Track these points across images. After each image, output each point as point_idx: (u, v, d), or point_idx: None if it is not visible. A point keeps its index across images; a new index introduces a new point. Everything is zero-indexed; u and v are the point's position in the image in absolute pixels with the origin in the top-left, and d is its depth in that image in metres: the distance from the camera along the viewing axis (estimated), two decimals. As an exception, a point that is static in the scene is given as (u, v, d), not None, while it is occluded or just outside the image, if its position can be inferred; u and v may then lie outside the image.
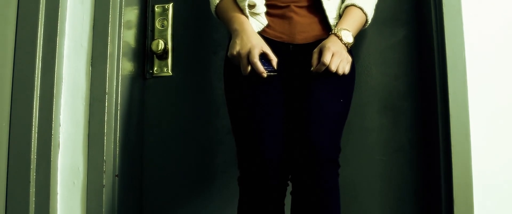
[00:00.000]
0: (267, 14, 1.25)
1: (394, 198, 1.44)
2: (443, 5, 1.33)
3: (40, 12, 1.38)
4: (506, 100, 1.32)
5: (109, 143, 1.38)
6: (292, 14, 1.24)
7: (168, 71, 1.60)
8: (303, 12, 1.25)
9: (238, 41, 1.17)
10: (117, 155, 1.39)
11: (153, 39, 1.60)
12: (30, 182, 1.31)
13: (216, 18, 1.31)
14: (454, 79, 1.30)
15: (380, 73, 1.49)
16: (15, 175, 1.32)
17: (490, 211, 1.27)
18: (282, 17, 1.25)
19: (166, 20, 1.61)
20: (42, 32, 1.38)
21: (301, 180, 1.13)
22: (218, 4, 1.27)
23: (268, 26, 1.24)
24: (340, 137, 1.20)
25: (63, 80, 1.41)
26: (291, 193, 1.16)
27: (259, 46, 1.15)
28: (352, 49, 1.25)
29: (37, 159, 1.33)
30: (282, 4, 1.25)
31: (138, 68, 1.57)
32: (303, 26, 1.24)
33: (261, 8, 1.23)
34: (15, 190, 1.32)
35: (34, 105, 1.35)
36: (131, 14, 1.53)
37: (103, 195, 1.35)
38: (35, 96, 1.35)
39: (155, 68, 1.60)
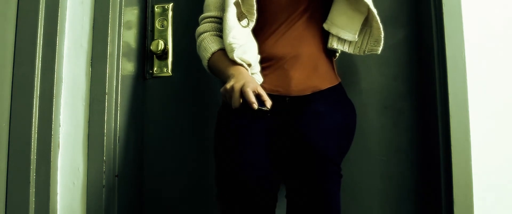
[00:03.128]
0: (263, 69, 1.24)
1: (394, 198, 1.44)
2: (443, 5, 1.33)
3: (40, 12, 1.38)
4: (506, 100, 1.32)
5: (109, 143, 1.37)
6: (287, 68, 1.23)
7: (168, 71, 1.59)
8: (299, 65, 1.23)
9: (233, 79, 1.12)
10: (117, 155, 1.39)
11: (153, 39, 1.59)
12: (30, 182, 1.31)
13: (209, 72, 1.28)
14: (454, 80, 1.30)
15: (380, 73, 1.49)
16: (15, 175, 1.32)
17: (490, 210, 1.27)
18: (278, 71, 1.23)
19: (166, 20, 1.61)
20: (42, 33, 1.38)
21: (298, 184, 1.11)
22: (210, 58, 1.24)
23: (263, 82, 1.23)
24: (340, 154, 1.18)
25: (63, 81, 1.41)
26: (286, 196, 1.15)
27: (254, 83, 1.11)
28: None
29: (37, 159, 1.33)
30: (277, 59, 1.24)
31: (138, 69, 1.57)
32: (299, 80, 1.22)
33: (256, 67, 1.21)
34: (15, 190, 1.32)
35: (34, 106, 1.35)
36: (131, 14, 1.53)
37: (103, 196, 1.35)
38: (35, 96, 1.35)
39: (155, 69, 1.60)
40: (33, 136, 1.33)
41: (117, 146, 1.40)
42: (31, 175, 1.32)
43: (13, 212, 1.31)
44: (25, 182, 1.31)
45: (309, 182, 1.09)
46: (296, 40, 1.25)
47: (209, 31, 1.28)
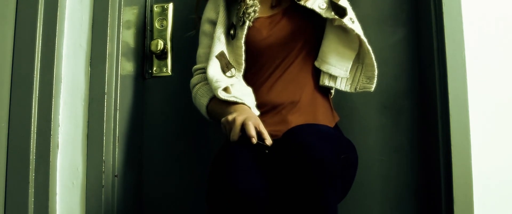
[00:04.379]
0: (261, 114, 1.21)
1: (394, 198, 1.44)
2: (443, 4, 1.33)
3: (39, 12, 1.38)
4: (506, 100, 1.32)
5: (108, 143, 1.37)
6: (285, 113, 1.22)
7: (167, 71, 1.59)
8: (297, 110, 1.22)
9: (236, 113, 1.09)
10: (116, 155, 1.39)
11: (152, 39, 1.59)
12: (29, 182, 1.31)
13: (208, 119, 1.27)
14: (454, 79, 1.29)
15: (380, 72, 1.48)
16: (14, 175, 1.32)
17: (491, 210, 1.27)
18: (276, 117, 1.22)
19: (165, 20, 1.61)
20: (41, 32, 1.38)
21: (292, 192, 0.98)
22: (208, 104, 1.23)
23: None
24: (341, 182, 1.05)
25: (62, 81, 1.40)
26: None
27: (257, 120, 1.08)
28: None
29: (36, 159, 1.33)
30: (274, 105, 1.23)
31: (137, 68, 1.57)
32: (298, 124, 1.19)
33: (255, 112, 1.19)
34: (14, 190, 1.31)
35: (33, 106, 1.34)
36: (130, 14, 1.53)
37: (103, 196, 1.34)
38: (34, 96, 1.35)
39: (155, 68, 1.60)
40: (32, 136, 1.33)
41: (117, 146, 1.39)
42: (30, 175, 1.32)
43: (12, 212, 1.31)
44: (24, 182, 1.31)
45: (303, 187, 0.96)
46: (292, 84, 1.24)
47: (201, 82, 1.28)
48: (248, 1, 1.21)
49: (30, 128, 1.33)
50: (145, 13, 1.61)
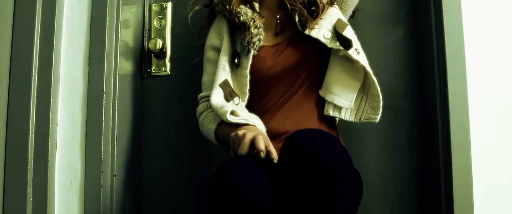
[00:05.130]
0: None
1: (393, 197, 1.44)
2: (443, 3, 1.32)
3: (37, 11, 1.37)
4: (506, 99, 1.31)
5: (107, 143, 1.37)
6: None
7: (166, 70, 1.59)
8: None
9: (245, 129, 1.07)
10: (115, 155, 1.39)
11: (150, 38, 1.59)
12: (27, 182, 1.30)
13: (216, 143, 1.24)
14: (454, 78, 1.29)
15: (379, 71, 1.48)
16: (12, 175, 1.31)
17: (491, 210, 1.27)
18: (279, 144, 1.12)
19: (164, 19, 1.60)
20: (39, 31, 1.37)
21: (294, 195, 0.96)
22: (216, 130, 1.21)
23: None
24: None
25: (60, 80, 1.40)
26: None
27: (267, 139, 1.06)
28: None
29: (34, 159, 1.32)
30: (278, 134, 1.20)
31: (136, 68, 1.56)
32: None
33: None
34: (12, 190, 1.31)
35: (31, 105, 1.33)
36: (129, 13, 1.52)
37: (101, 195, 1.34)
38: (32, 96, 1.34)
39: (153, 68, 1.59)
40: (30, 136, 1.32)
41: (115, 146, 1.39)
42: (28, 174, 1.31)
43: (10, 212, 1.30)
44: (22, 182, 1.30)
45: (306, 190, 0.93)
46: (297, 113, 1.23)
47: (207, 109, 1.27)
48: (252, 30, 1.19)
49: (28, 128, 1.32)
50: (144, 12, 1.61)
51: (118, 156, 1.40)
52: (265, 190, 0.96)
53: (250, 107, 1.24)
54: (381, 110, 1.21)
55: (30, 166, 1.32)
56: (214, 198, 0.97)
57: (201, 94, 1.32)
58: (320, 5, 1.19)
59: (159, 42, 1.54)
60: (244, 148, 1.03)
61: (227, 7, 1.23)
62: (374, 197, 1.44)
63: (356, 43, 1.19)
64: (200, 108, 1.30)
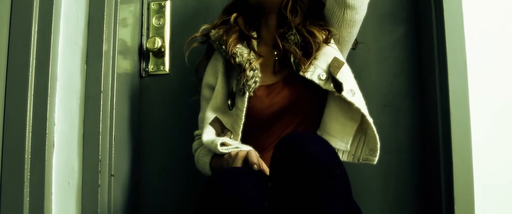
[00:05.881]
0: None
1: (393, 197, 1.43)
2: (443, 1, 1.32)
3: (34, 9, 1.36)
4: (508, 98, 1.31)
5: (105, 142, 1.36)
6: None
7: (164, 69, 1.58)
8: None
9: (239, 150, 1.09)
10: (113, 155, 1.38)
11: (149, 37, 1.58)
12: (24, 182, 1.29)
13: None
14: (455, 77, 1.29)
15: (379, 71, 1.48)
16: (9, 175, 1.31)
17: (492, 210, 1.26)
18: None
19: (162, 18, 1.59)
20: (36, 30, 1.36)
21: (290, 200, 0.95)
22: (211, 161, 1.21)
23: None
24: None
25: (58, 79, 1.39)
26: None
27: (260, 159, 1.07)
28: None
29: (31, 158, 1.31)
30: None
31: (134, 67, 1.55)
32: None
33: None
34: (9, 190, 1.30)
35: (28, 104, 1.33)
36: (127, 11, 1.51)
37: (99, 195, 1.33)
38: (29, 95, 1.33)
39: (152, 67, 1.59)
40: (27, 135, 1.31)
41: (113, 145, 1.38)
42: (25, 174, 1.30)
43: (7, 212, 1.30)
44: (19, 182, 1.30)
45: (302, 191, 0.92)
46: None
47: (202, 145, 1.25)
48: (248, 72, 1.18)
49: (25, 127, 1.31)
50: (142, 10, 1.60)
51: (115, 155, 1.39)
52: (256, 191, 0.95)
53: (249, 143, 1.19)
54: (378, 151, 1.16)
55: (27, 165, 1.31)
56: (203, 200, 0.96)
57: (196, 132, 1.33)
58: (315, 45, 1.17)
59: (158, 41, 1.53)
60: (237, 163, 1.04)
61: (224, 47, 1.23)
62: (374, 197, 1.43)
63: (350, 84, 1.16)
64: (195, 145, 1.31)
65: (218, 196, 0.92)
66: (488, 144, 1.28)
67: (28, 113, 1.32)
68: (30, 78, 1.34)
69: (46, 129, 1.33)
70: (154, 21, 1.60)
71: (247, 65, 1.18)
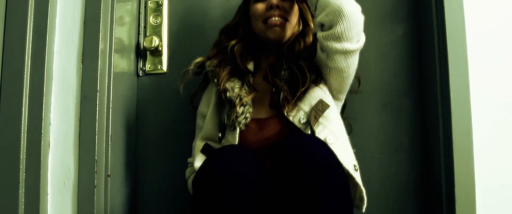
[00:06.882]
0: None
1: (394, 197, 1.42)
2: (444, 0, 1.31)
3: (30, 7, 1.35)
4: (508, 97, 1.30)
5: (101, 142, 1.34)
6: None
7: (162, 68, 1.56)
8: None
9: None
10: (109, 155, 1.37)
11: (146, 35, 1.56)
12: (19, 182, 1.28)
13: None
14: (456, 76, 1.28)
15: (380, 70, 1.47)
16: (4, 175, 1.29)
17: (493, 210, 1.25)
18: None
19: (160, 16, 1.58)
20: (31, 28, 1.35)
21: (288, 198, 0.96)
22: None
23: None
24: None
25: (54, 78, 1.38)
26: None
27: None
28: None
29: (26, 158, 1.30)
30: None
31: (130, 65, 1.54)
32: None
33: None
34: (5, 191, 1.28)
35: (24, 104, 1.32)
36: (124, 10, 1.50)
37: (95, 196, 1.32)
38: (24, 94, 1.32)
39: (149, 65, 1.57)
40: (22, 135, 1.30)
41: (109, 145, 1.37)
42: (20, 175, 1.29)
43: (2, 213, 1.28)
44: (14, 182, 1.28)
45: (304, 191, 0.94)
46: None
47: (194, 172, 1.23)
48: (238, 109, 1.16)
49: (21, 127, 1.30)
50: (139, 9, 1.59)
51: (112, 155, 1.38)
52: (253, 175, 0.98)
53: None
54: (365, 199, 1.14)
55: (22, 165, 1.30)
56: (200, 179, 0.99)
57: (189, 159, 1.32)
58: (302, 83, 1.15)
59: (155, 40, 1.52)
60: None
61: (216, 80, 1.22)
62: (374, 197, 1.42)
63: (331, 130, 1.13)
64: (188, 172, 1.30)
65: (217, 175, 0.95)
66: (490, 142, 1.27)
67: (23, 112, 1.31)
68: (25, 77, 1.33)
69: (41, 129, 1.31)
70: (151, 19, 1.58)
71: (237, 101, 1.17)
